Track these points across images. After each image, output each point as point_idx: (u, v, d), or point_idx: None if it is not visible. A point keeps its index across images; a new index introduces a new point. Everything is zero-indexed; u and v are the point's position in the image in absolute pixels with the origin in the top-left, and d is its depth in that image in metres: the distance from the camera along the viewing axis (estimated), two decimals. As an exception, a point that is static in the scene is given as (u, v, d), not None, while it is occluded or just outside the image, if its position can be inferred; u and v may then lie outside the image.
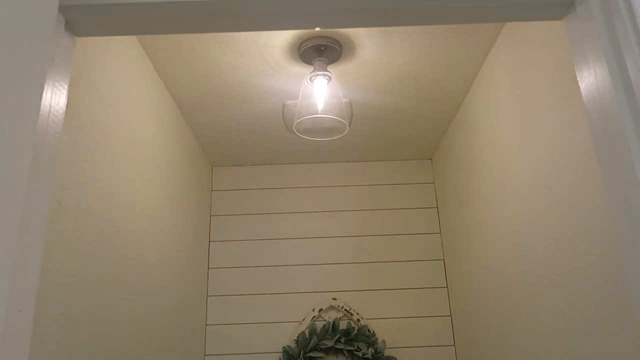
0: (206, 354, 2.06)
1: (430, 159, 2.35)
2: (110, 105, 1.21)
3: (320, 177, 2.32)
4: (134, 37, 1.40)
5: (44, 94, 0.62)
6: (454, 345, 2.07)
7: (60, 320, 0.94)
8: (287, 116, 1.83)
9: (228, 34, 1.41)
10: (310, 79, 1.49)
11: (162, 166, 1.62)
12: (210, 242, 2.21)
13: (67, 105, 0.73)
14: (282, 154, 2.23)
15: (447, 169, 2.09)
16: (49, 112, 0.65)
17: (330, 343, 2.01)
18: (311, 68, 1.51)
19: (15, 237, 0.51)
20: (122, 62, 1.31)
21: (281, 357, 2.02)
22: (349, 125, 1.71)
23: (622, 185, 0.63)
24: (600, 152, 0.68)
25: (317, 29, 0.83)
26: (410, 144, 2.19)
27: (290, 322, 2.10)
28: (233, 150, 2.17)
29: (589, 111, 0.71)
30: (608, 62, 0.65)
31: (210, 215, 2.25)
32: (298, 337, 2.04)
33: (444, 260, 2.19)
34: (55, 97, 0.67)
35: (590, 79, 0.70)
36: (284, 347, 2.03)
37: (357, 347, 2.00)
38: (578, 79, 0.75)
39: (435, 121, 1.99)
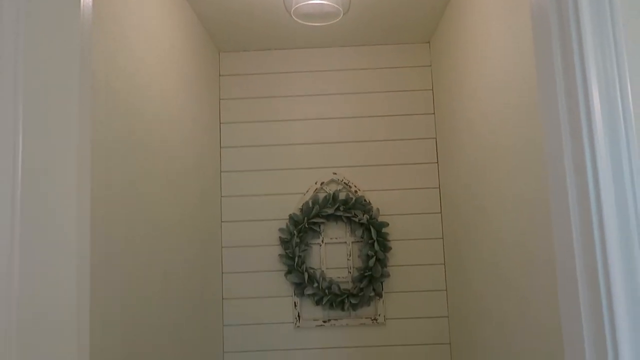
0: (223, 220, 2.36)
1: (429, 42, 2.44)
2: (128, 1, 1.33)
3: (322, 61, 2.43)
4: None
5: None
6: (440, 212, 2.34)
7: (100, 180, 1.17)
8: (287, 1, 1.91)
9: None
10: (307, -36, 1.57)
11: (174, 53, 1.76)
12: (221, 124, 2.41)
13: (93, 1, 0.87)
14: (285, 39, 2.33)
15: (444, 52, 2.19)
16: (83, 6, 0.80)
17: (330, 211, 2.29)
18: (308, -47, 1.58)
19: (77, 104, 0.69)
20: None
21: (288, 223, 2.32)
22: (348, 10, 1.79)
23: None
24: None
25: None
26: (409, 27, 2.26)
27: (296, 194, 2.37)
28: (238, 35, 2.27)
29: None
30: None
31: (220, 99, 2.42)
32: (302, 206, 2.32)
33: (436, 139, 2.38)
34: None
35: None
36: (290, 214, 2.32)
37: (354, 214, 2.28)
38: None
39: (433, 4, 2.05)
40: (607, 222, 0.66)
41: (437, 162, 2.37)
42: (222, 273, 2.34)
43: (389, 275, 2.29)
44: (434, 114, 2.40)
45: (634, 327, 0.64)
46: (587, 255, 0.68)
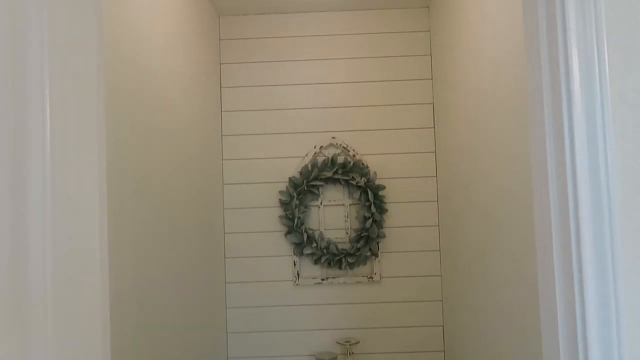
0: (225, 182, 2.43)
1: (428, 7, 2.45)
2: (126, -42, 1.36)
3: (322, 26, 2.45)
4: None
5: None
6: (435, 176, 2.41)
7: (111, 136, 1.23)
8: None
9: None
10: None
11: (176, 16, 1.79)
12: (222, 88, 2.45)
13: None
14: (285, 3, 2.35)
15: (443, 18, 2.21)
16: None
17: (329, 174, 2.35)
18: None
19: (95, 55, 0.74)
20: None
21: (288, 185, 2.39)
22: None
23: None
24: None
25: None
26: (408, -8, 2.28)
27: (296, 157, 2.43)
28: (238, -1, 2.28)
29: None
30: None
31: (220, 64, 2.45)
32: (302, 169, 2.38)
33: (433, 104, 2.43)
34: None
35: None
36: (290, 177, 2.39)
37: (352, 177, 2.35)
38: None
39: (431, -31, 2.06)
40: (579, 164, 0.73)
41: (434, 127, 2.43)
42: (225, 233, 2.43)
43: (384, 236, 2.38)
44: (431, 79, 2.44)
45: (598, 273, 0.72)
46: (561, 202, 0.75)
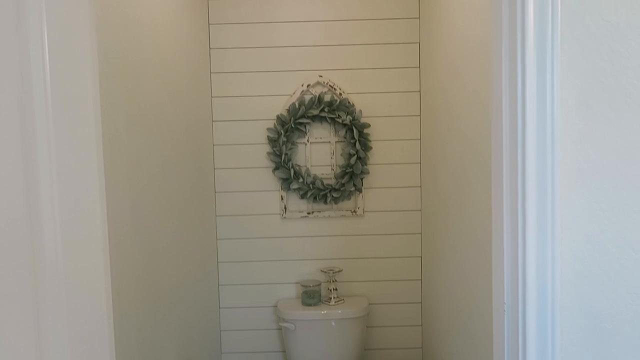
0: (214, 120, 2.49)
1: (417, -57, 2.42)
2: None
3: (309, -39, 2.43)
4: None
5: None
6: (419, 115, 2.49)
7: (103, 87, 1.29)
8: None
9: None
10: None
11: (161, -51, 1.78)
12: (210, 26, 2.45)
13: None
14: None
15: (429, -46, 2.20)
16: None
17: (315, 112, 2.42)
18: None
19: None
20: None
21: (275, 123, 2.46)
22: None
23: None
24: None
25: None
26: None
27: (283, 95, 2.48)
28: None
29: None
30: None
31: (209, 0, 2.44)
32: (289, 107, 2.44)
33: (419, 43, 2.46)
34: None
35: None
36: (278, 114, 2.45)
37: (338, 115, 2.41)
38: None
39: None
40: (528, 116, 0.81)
41: (419, 67, 2.47)
42: (215, 169, 2.52)
43: (368, 173, 2.48)
44: (418, 18, 2.45)
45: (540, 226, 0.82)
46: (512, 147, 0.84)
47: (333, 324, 2.35)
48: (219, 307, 2.59)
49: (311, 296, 2.41)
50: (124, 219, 1.40)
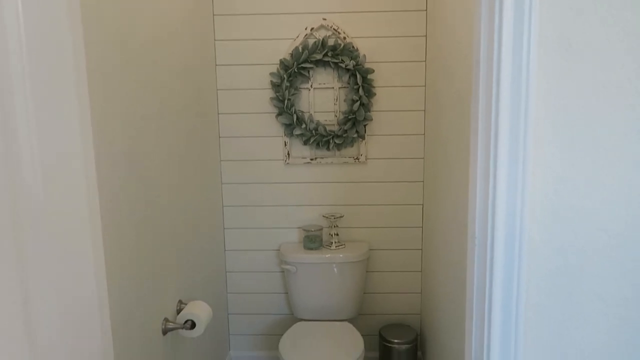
0: (217, 64, 2.48)
1: None
2: None
3: None
4: None
5: None
6: (425, 61, 2.43)
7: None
8: None
9: None
10: None
11: None
12: (212, -35, 2.39)
13: None
14: None
15: None
16: None
17: (319, 56, 2.38)
18: None
19: None
20: None
21: (279, 67, 2.43)
22: None
23: None
24: None
25: None
26: None
27: (287, 39, 2.44)
28: None
29: None
30: None
31: (210, -63, 2.37)
32: (292, 51, 2.41)
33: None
34: None
35: None
36: (281, 59, 2.42)
37: (342, 60, 2.38)
38: None
39: None
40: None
41: (426, 10, 2.39)
42: (219, 114, 2.53)
43: (371, 119, 2.47)
44: (427, -42, 2.35)
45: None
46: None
47: (333, 267, 2.41)
48: (225, 250, 2.67)
49: (312, 240, 2.46)
50: (119, 160, 1.43)
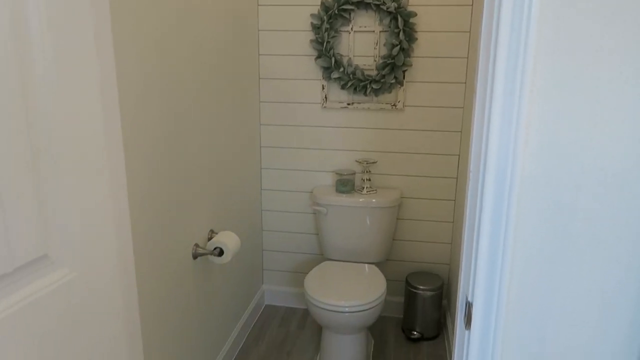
0: (259, 4, 2.49)
1: None
2: None
3: None
4: None
5: None
6: (471, 5, 2.33)
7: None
8: None
9: None
10: None
11: None
12: None
13: None
14: None
15: None
16: None
17: (360, -2, 2.34)
18: None
19: None
20: None
21: (319, 9, 2.41)
22: None
23: None
24: None
25: None
26: None
27: (329, -20, 2.40)
28: None
29: None
30: None
31: None
32: (334, -8, 2.37)
33: None
34: None
35: None
36: (322, 0, 2.40)
37: (383, 1, 2.32)
38: None
39: None
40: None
41: (477, -50, 2.27)
42: (259, 55, 2.56)
43: (411, 65, 2.42)
44: None
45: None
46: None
47: (363, 211, 2.45)
48: (261, 189, 2.76)
49: (344, 184, 2.51)
50: (152, 90, 1.50)
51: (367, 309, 2.08)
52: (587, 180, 0.83)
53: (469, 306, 0.92)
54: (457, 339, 1.00)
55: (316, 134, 2.62)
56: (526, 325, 0.91)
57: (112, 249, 1.00)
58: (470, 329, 0.92)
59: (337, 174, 2.54)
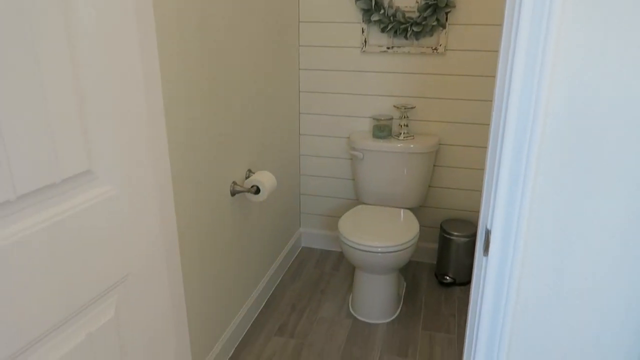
0: (299, -57, 2.44)
1: None
2: None
3: None
4: None
5: None
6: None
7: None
8: None
9: None
10: None
11: None
12: None
13: None
14: None
15: None
16: None
17: None
18: None
19: None
20: None
21: (360, -53, 2.34)
22: None
23: None
24: None
25: None
26: None
27: None
28: None
29: None
30: None
31: None
32: None
33: None
34: None
35: None
36: (363, -62, 2.32)
37: (427, -62, 2.22)
38: None
39: None
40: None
41: None
42: (299, -3, 2.54)
43: (454, 6, 2.34)
44: None
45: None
46: None
47: (399, 157, 2.46)
48: (299, 134, 2.81)
49: (381, 129, 2.51)
50: (192, 33, 1.54)
51: (398, 250, 2.12)
52: (615, 110, 0.81)
53: (487, 233, 0.94)
54: (475, 265, 1.03)
55: (355, 78, 2.60)
56: (544, 255, 0.92)
57: (149, 173, 1.08)
58: (487, 255, 0.94)
59: (374, 119, 2.54)
